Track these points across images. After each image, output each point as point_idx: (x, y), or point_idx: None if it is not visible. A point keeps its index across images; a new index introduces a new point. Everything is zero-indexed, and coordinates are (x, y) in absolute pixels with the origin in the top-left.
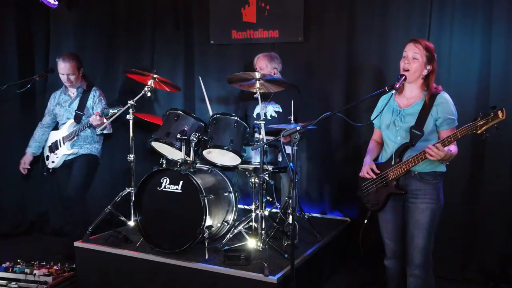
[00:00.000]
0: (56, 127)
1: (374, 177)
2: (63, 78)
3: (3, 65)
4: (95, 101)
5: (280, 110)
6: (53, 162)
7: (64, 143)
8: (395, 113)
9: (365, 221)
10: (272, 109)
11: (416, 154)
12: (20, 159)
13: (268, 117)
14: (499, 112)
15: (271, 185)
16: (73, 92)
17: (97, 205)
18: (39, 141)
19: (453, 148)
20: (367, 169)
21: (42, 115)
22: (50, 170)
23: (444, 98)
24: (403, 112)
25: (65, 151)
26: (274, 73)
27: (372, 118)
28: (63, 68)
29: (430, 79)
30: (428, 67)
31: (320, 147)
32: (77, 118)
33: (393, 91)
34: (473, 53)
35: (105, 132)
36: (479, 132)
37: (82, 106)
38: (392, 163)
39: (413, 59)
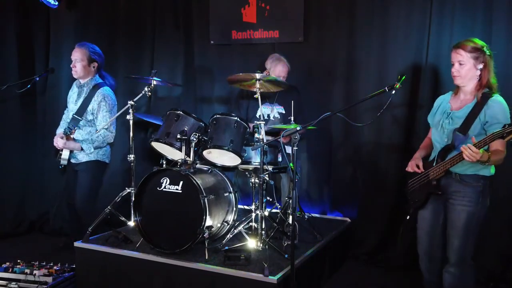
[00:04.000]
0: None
1: (417, 170)
2: (72, 64)
3: (3, 65)
4: (95, 108)
5: (284, 112)
6: (64, 158)
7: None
8: (445, 115)
9: (407, 217)
10: (276, 111)
11: (454, 155)
12: (19, 159)
13: (272, 118)
14: None
15: (271, 185)
16: (79, 85)
17: (97, 205)
18: (64, 120)
19: (497, 152)
20: (412, 164)
21: (42, 115)
22: (63, 165)
23: (496, 102)
24: (452, 115)
25: (65, 154)
26: None
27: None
28: (74, 53)
29: (483, 75)
30: (480, 65)
31: (320, 147)
32: (73, 122)
33: (450, 92)
34: None
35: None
36: (505, 140)
37: (82, 108)
38: (434, 164)
39: (459, 65)
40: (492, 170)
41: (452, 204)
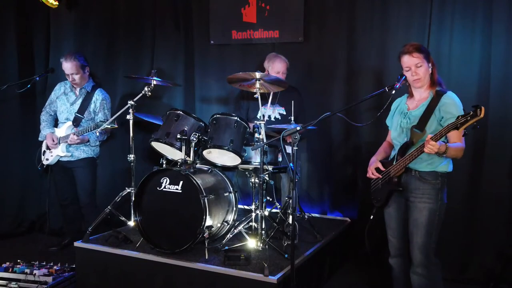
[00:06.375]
0: (56, 124)
1: (380, 176)
2: (69, 78)
3: (3, 65)
4: (97, 106)
5: (284, 113)
6: (47, 159)
7: (60, 143)
8: (402, 115)
9: (371, 217)
10: (276, 112)
11: (412, 150)
12: (19, 159)
13: (272, 119)
14: (478, 110)
15: (271, 185)
16: (78, 91)
17: (97, 205)
18: (49, 121)
19: (454, 144)
20: (371, 170)
21: None
22: (44, 166)
23: (449, 98)
24: (409, 114)
25: (59, 152)
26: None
27: (369, 119)
28: (66, 68)
29: (433, 73)
30: (430, 64)
31: (320, 147)
32: (76, 121)
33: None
34: (473, 53)
35: (99, 140)
36: (459, 130)
37: (83, 108)
38: (394, 162)
39: (417, 67)
40: (449, 168)
41: (412, 202)
